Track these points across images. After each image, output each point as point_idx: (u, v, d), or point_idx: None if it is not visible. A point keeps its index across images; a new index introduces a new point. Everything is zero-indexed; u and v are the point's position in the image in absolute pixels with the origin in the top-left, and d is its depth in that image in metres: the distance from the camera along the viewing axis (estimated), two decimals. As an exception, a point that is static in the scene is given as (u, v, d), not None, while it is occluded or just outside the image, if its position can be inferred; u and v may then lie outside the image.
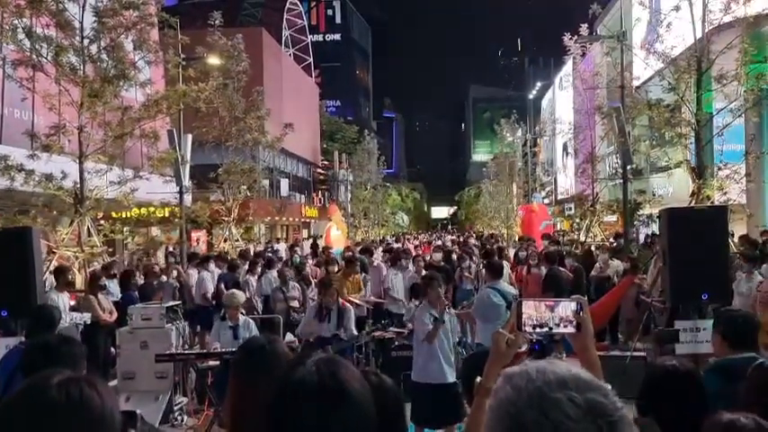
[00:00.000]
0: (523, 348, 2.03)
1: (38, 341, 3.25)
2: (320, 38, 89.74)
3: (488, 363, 2.03)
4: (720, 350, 3.46)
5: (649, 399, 2.63)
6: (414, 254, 14.72)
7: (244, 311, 7.75)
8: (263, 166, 24.50)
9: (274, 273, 11.93)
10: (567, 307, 1.96)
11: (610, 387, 1.10)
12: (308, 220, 44.95)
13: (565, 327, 1.96)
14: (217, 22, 19.07)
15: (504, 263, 13.54)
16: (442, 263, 13.20)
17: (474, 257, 13.90)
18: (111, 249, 14.10)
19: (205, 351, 7.38)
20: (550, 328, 1.97)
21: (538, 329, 1.98)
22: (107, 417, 1.48)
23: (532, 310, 1.97)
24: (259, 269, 12.54)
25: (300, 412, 1.41)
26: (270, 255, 14.81)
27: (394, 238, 32.05)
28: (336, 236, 26.39)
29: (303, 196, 47.70)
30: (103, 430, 1.47)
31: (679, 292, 5.92)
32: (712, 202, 12.11)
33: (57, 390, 1.44)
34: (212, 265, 12.89)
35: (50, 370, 1.55)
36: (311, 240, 28.12)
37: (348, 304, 7.74)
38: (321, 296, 7.58)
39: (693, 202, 12.42)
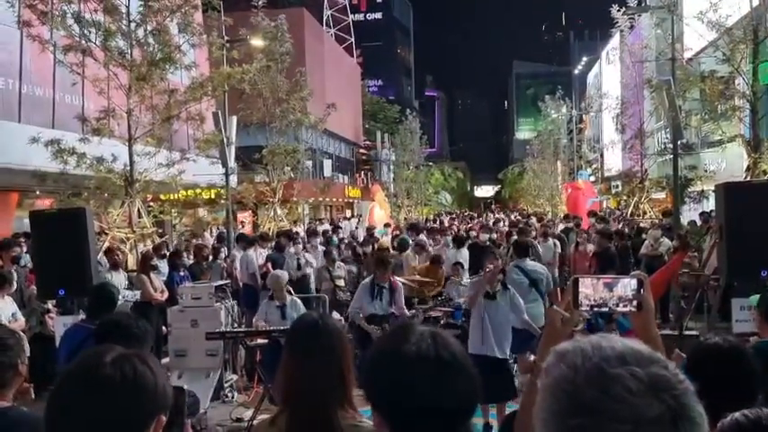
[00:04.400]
0: (579, 327, 1.97)
1: (108, 320, 3.36)
2: (361, 17, 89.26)
3: (542, 341, 1.98)
4: (763, 331, 3.29)
5: (692, 380, 2.50)
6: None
7: (291, 291, 7.84)
8: (306, 146, 24.56)
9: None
10: (626, 285, 1.87)
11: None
12: (351, 200, 45.11)
13: (624, 306, 1.88)
14: (260, 3, 19.12)
15: (554, 241, 13.42)
16: (488, 243, 13.10)
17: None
18: (160, 230, 14.39)
19: (254, 329, 7.49)
20: (609, 308, 1.90)
21: (596, 309, 1.91)
22: (159, 392, 1.50)
23: (590, 290, 1.87)
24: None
25: (418, 383, 1.44)
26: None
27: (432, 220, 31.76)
28: (380, 216, 26.48)
29: (346, 176, 47.83)
30: (156, 405, 1.50)
31: (736, 269, 5.75)
32: (769, 177, 11.72)
33: (111, 366, 1.46)
34: (257, 246, 13.01)
35: (104, 346, 1.58)
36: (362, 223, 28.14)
37: (399, 282, 7.75)
38: (375, 274, 7.58)
39: (749, 176, 12.04)
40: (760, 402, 2.39)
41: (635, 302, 1.86)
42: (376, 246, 12.51)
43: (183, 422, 1.75)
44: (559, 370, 1.02)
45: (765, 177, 11.62)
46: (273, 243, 12.99)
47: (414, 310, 8.43)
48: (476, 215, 42.60)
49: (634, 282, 1.87)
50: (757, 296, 3.65)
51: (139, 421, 1.47)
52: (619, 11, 20.13)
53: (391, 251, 11.94)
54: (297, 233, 14.60)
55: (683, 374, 1.01)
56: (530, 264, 8.17)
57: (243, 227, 23.69)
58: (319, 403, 2.19)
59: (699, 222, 14.05)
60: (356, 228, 24.88)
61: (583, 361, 1.00)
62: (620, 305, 1.88)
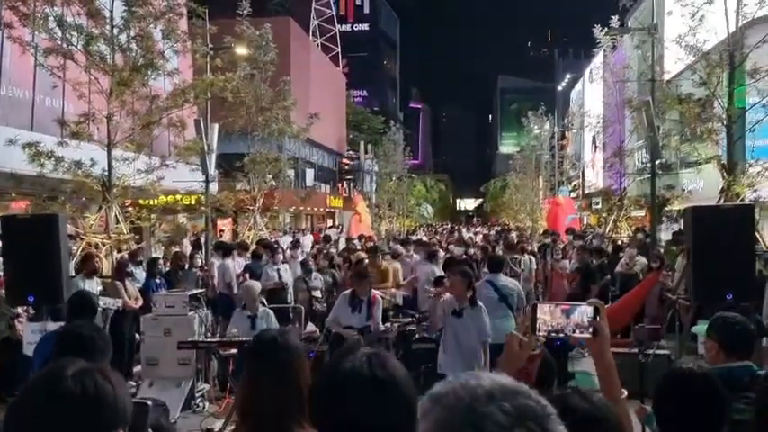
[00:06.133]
0: (536, 351, 2.02)
1: (69, 330, 3.33)
2: (348, 28, 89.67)
3: (501, 364, 2.03)
4: (716, 358, 3.34)
5: (662, 407, 2.54)
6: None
7: (265, 302, 7.82)
8: (288, 155, 24.56)
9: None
10: (583, 313, 1.93)
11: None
12: (332, 210, 45.08)
13: (581, 333, 1.93)
14: (245, 11, 19.14)
15: (530, 257, 13.52)
16: (464, 256, 13.18)
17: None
18: (137, 237, 14.29)
19: (226, 339, 7.46)
20: (566, 334, 1.95)
21: (553, 334, 1.96)
22: (119, 407, 1.51)
23: (548, 316, 1.95)
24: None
25: (352, 400, 1.50)
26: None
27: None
28: (361, 226, 26.46)
29: (328, 186, 47.83)
30: (115, 419, 1.51)
31: (703, 292, 5.84)
32: (742, 200, 11.88)
33: (72, 380, 1.48)
34: (235, 255, 12.96)
35: (66, 359, 1.59)
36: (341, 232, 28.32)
37: (378, 296, 7.73)
38: (355, 286, 7.57)
39: (723, 199, 12.20)
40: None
41: (591, 329, 1.92)
42: (353, 258, 12.49)
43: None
44: (436, 414, 1.08)
45: (738, 200, 11.79)
46: (251, 252, 12.95)
47: (388, 323, 8.43)
48: (456, 229, 42.77)
49: (590, 309, 1.93)
50: (704, 326, 3.72)
51: None
52: (601, 31, 20.36)
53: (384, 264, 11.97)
54: (276, 242, 14.57)
55: (544, 400, 1.07)
56: (502, 279, 8.17)
57: (221, 235, 23.61)
58: (276, 420, 2.19)
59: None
60: (338, 238, 24.93)
61: (456, 402, 1.06)
62: (577, 331, 1.93)
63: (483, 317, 6.57)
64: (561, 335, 1.95)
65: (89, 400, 1.46)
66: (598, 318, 1.92)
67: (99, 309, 8.62)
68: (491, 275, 8.13)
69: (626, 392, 2.00)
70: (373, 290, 7.78)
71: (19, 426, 1.47)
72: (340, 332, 7.54)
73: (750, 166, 12.78)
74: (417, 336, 8.96)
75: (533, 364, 1.97)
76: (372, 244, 14.06)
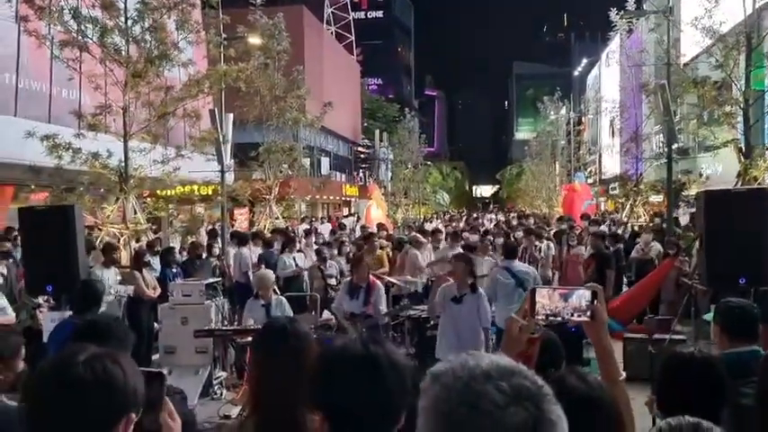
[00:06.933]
0: (536, 334, 2.05)
1: (89, 320, 3.39)
2: (362, 15, 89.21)
3: (501, 348, 2.06)
4: (721, 343, 3.35)
5: (663, 389, 2.56)
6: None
7: (277, 290, 7.90)
8: (303, 144, 24.59)
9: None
10: (581, 296, 1.97)
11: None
12: (348, 199, 45.15)
13: (579, 316, 1.96)
14: (258, 1, 19.13)
15: (549, 243, 13.50)
16: (479, 243, 13.16)
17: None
18: (155, 227, 14.43)
19: (242, 327, 7.55)
20: (563, 318, 1.98)
21: (551, 318, 2.00)
22: (129, 391, 1.56)
23: (546, 299, 1.98)
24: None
25: (345, 378, 1.53)
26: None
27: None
28: (376, 215, 26.49)
29: (344, 175, 47.86)
30: (126, 403, 1.55)
31: (716, 276, 5.81)
32: (759, 184, 11.76)
33: (82, 365, 1.52)
34: (251, 244, 13.06)
35: (78, 345, 1.63)
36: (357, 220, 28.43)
37: (378, 282, 7.81)
38: (353, 273, 7.69)
39: (740, 182, 12.08)
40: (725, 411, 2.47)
41: (588, 313, 1.95)
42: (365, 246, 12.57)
43: (160, 406, 1.76)
44: (434, 391, 1.11)
45: (756, 184, 11.66)
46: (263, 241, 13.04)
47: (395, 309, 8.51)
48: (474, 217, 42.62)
49: (588, 293, 1.97)
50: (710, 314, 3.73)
51: (108, 419, 1.53)
52: (617, 14, 20.11)
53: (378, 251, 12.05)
54: (293, 231, 14.68)
55: (540, 380, 1.10)
56: (517, 265, 8.22)
57: (234, 224, 23.70)
58: (287, 406, 2.22)
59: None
60: (354, 227, 25.01)
61: (454, 381, 1.09)
62: (575, 315, 1.96)
63: (484, 303, 6.55)
64: (559, 318, 1.98)
65: (99, 385, 1.51)
66: (596, 301, 1.95)
67: (112, 297, 8.83)
68: (506, 261, 8.19)
69: (624, 374, 2.03)
70: (380, 277, 7.85)
71: (32, 411, 1.52)
72: (340, 321, 7.62)
73: (767, 149, 12.64)
74: (432, 323, 9.00)
75: (533, 347, 2.01)
76: (368, 231, 14.14)
